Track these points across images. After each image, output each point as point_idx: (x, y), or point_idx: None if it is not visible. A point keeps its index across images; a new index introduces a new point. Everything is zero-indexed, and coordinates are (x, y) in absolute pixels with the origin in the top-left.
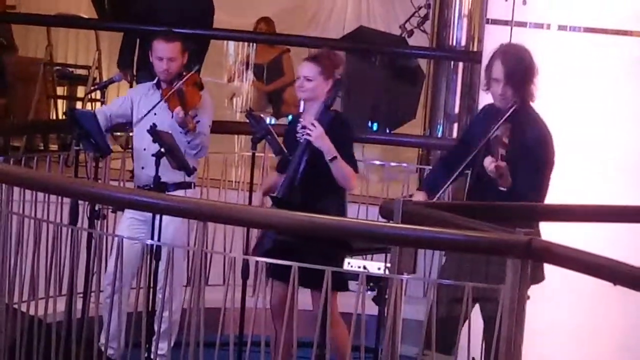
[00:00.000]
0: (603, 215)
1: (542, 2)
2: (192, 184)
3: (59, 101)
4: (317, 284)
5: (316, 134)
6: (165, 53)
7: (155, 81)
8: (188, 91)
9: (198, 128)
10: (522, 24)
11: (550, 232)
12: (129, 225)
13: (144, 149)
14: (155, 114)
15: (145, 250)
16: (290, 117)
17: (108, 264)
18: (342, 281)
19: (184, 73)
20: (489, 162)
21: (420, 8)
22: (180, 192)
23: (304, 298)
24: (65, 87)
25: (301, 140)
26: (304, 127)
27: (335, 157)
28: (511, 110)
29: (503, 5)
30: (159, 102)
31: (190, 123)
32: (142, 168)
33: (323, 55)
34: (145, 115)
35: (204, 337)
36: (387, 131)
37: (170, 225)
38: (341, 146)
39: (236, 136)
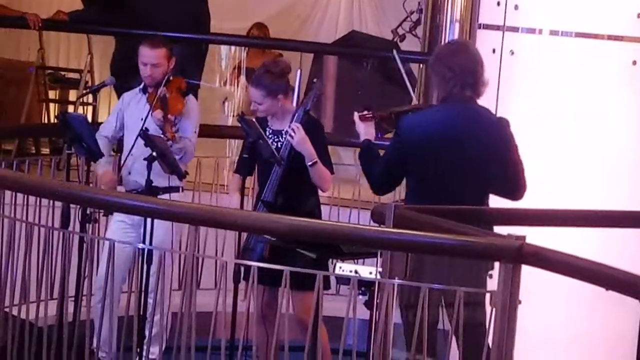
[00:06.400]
0: (590, 220)
1: (533, 7)
2: (180, 188)
3: (51, 105)
4: (298, 284)
5: (298, 139)
6: (149, 59)
7: (142, 86)
8: (171, 97)
9: (180, 133)
10: (513, 29)
11: (543, 237)
12: (117, 228)
13: (131, 154)
14: (142, 119)
15: (135, 253)
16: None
17: (99, 268)
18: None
19: (171, 78)
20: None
21: (412, 13)
22: (166, 196)
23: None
24: (57, 91)
25: (279, 145)
26: (275, 133)
27: (316, 162)
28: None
29: (495, 10)
30: (149, 111)
31: (168, 130)
32: (129, 174)
33: (262, 75)
34: (143, 125)
35: (195, 342)
36: (379, 135)
37: (160, 227)
38: (318, 149)
39: (228, 140)
